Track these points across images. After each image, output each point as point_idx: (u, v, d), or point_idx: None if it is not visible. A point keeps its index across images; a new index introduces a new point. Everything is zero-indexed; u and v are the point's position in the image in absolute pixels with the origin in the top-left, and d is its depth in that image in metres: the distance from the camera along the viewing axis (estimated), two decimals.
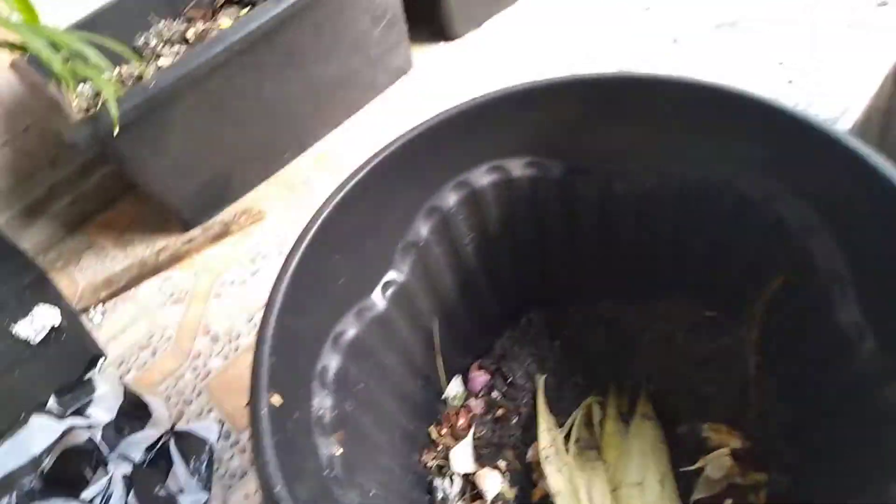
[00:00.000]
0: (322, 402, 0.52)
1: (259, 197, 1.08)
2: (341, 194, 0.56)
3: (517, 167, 0.64)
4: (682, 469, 0.63)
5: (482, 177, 0.64)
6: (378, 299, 0.61)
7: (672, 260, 0.67)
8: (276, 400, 0.46)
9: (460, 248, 0.67)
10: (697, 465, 0.63)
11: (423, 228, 0.63)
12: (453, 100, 0.62)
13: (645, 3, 1.15)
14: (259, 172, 1.10)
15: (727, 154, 0.57)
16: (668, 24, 1.10)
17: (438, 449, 0.70)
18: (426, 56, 1.20)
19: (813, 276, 0.53)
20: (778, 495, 0.61)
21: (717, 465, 0.62)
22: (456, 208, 0.64)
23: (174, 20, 1.06)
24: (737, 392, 0.65)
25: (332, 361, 0.55)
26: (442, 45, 1.21)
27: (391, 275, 0.62)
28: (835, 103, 0.93)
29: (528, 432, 0.69)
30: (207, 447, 0.78)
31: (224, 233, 1.03)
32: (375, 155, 0.59)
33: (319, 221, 0.54)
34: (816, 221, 0.53)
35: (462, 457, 0.68)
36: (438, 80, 1.15)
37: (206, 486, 0.76)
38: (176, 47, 1.03)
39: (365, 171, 0.57)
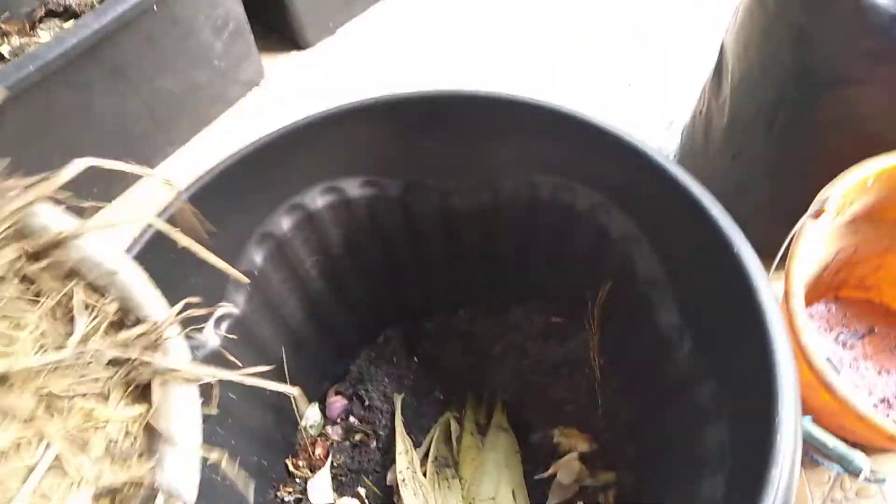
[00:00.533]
0: None
1: None
2: (151, 231, 0.52)
3: (353, 187, 0.62)
4: (536, 477, 0.64)
5: (317, 198, 0.61)
6: (210, 336, 0.57)
7: (516, 269, 0.68)
8: None
9: (302, 272, 0.65)
10: (549, 472, 0.64)
11: (256, 256, 0.60)
12: (307, 110, 0.59)
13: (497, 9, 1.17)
14: (99, 199, 1.01)
15: (551, 168, 0.58)
16: (518, 32, 1.13)
17: (297, 481, 0.68)
18: (279, 65, 1.15)
19: (636, 281, 0.56)
20: (625, 494, 0.63)
21: (567, 470, 0.63)
22: (292, 233, 0.61)
23: None
24: (585, 395, 0.67)
25: None
26: (294, 53, 1.17)
27: (225, 309, 0.59)
28: (669, 105, 0.98)
29: (388, 455, 0.68)
30: None
31: None
32: (193, 183, 0.55)
33: None
34: (635, 231, 0.55)
35: (320, 488, 0.66)
36: (292, 91, 1.12)
37: None
38: None
39: (180, 201, 0.54)
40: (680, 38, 1.07)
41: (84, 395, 0.28)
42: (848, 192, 0.65)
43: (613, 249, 0.56)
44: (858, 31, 0.61)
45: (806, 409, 0.74)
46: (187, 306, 0.31)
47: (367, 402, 0.71)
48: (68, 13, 0.97)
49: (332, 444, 0.70)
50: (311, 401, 0.72)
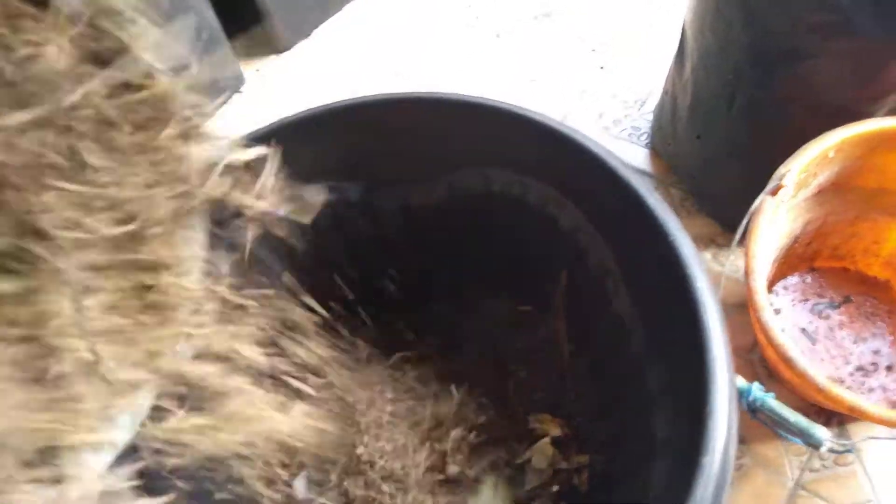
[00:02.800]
0: None
1: None
2: None
3: (314, 193, 0.64)
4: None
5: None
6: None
7: (479, 262, 0.69)
8: None
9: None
10: (524, 457, 0.65)
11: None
12: (286, 114, 0.60)
13: (467, 1, 1.17)
14: None
15: (503, 163, 0.59)
16: (490, 20, 1.13)
17: None
18: (258, 70, 1.17)
19: (589, 270, 0.57)
20: (597, 475, 0.64)
21: (540, 454, 0.65)
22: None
23: None
24: (555, 381, 0.69)
25: None
26: (273, 57, 1.18)
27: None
28: (641, 86, 0.98)
29: None
30: None
31: None
32: None
33: None
34: (584, 222, 0.56)
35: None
36: (271, 95, 1.13)
37: None
38: None
39: None
40: (651, 18, 1.07)
41: None
42: (808, 166, 0.65)
43: (566, 240, 0.57)
44: (805, 6, 0.60)
45: (777, 385, 0.75)
46: None
47: None
48: None
49: None
50: None
